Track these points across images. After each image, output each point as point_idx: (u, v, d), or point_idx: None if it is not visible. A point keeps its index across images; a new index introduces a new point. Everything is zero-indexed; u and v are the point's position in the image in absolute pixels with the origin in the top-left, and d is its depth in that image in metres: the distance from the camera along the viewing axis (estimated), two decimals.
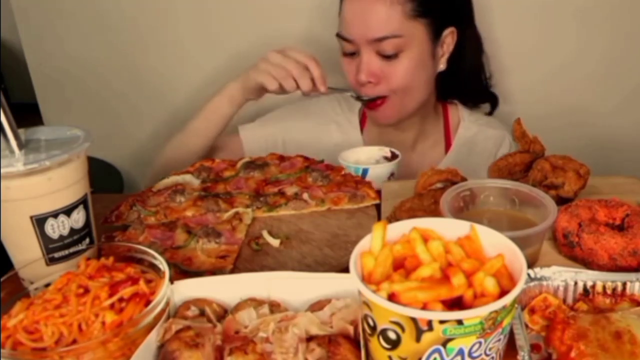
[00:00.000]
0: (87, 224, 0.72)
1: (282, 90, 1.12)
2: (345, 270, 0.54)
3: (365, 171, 1.05)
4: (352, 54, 1.19)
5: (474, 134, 1.34)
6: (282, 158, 1.06)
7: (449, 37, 1.22)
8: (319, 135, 1.32)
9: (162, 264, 0.64)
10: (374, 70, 1.16)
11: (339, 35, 1.19)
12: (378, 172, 1.05)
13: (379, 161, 1.12)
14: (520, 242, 0.56)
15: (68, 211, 0.68)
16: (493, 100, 1.40)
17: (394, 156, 1.11)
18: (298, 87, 1.11)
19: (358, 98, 1.22)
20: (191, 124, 1.23)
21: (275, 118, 1.36)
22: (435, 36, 1.19)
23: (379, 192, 0.95)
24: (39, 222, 0.67)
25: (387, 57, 1.15)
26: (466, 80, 1.34)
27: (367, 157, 1.13)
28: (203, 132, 1.22)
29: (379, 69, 1.16)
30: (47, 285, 0.65)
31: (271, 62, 1.12)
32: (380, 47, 1.14)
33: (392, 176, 1.08)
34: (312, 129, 1.33)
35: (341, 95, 1.37)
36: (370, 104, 1.21)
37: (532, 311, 0.65)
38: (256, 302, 0.63)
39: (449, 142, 1.36)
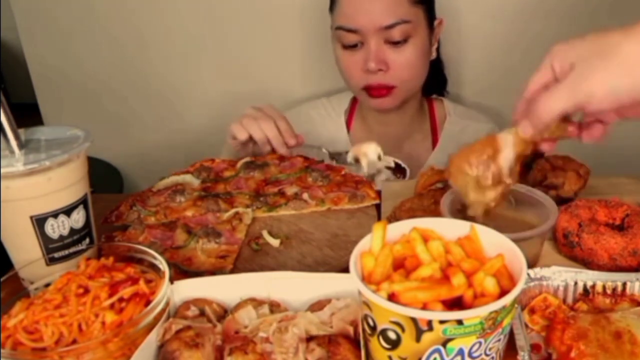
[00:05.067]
0: (87, 224, 0.72)
1: (252, 140, 1.07)
2: (345, 270, 0.54)
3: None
4: (354, 46, 1.18)
5: (461, 128, 1.35)
6: (282, 158, 1.06)
7: (438, 28, 1.26)
8: (311, 140, 1.32)
9: (162, 264, 0.64)
10: (382, 58, 1.17)
11: (340, 28, 1.18)
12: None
13: (380, 171, 1.11)
14: (521, 243, 0.56)
15: (68, 211, 0.69)
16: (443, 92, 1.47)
17: (397, 167, 1.10)
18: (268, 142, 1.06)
19: (334, 156, 1.14)
20: None
21: None
22: (430, 24, 1.23)
23: (379, 192, 0.95)
24: (39, 222, 0.67)
25: (395, 44, 1.16)
26: (440, 71, 1.40)
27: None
28: None
29: (387, 56, 1.17)
30: (47, 285, 0.65)
31: (244, 114, 1.09)
32: (389, 34, 1.15)
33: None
34: (305, 135, 1.33)
35: (327, 100, 1.40)
36: (375, 92, 1.20)
37: (532, 311, 0.65)
38: (256, 302, 0.63)
39: (435, 138, 1.36)
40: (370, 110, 1.32)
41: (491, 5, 1.46)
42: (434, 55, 1.27)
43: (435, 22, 1.25)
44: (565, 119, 0.65)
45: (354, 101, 1.40)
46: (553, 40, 0.62)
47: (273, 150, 1.07)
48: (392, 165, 1.12)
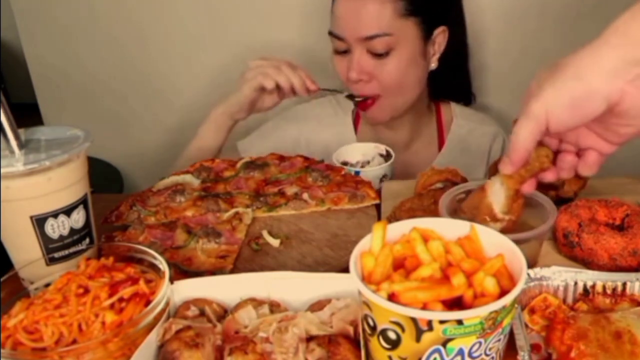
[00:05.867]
0: (87, 224, 0.72)
1: (278, 89, 1.12)
2: (345, 270, 0.54)
3: (356, 173, 1.05)
4: (344, 52, 1.19)
5: (467, 131, 1.35)
6: (282, 158, 1.06)
7: (440, 36, 1.23)
8: (316, 139, 1.33)
9: (162, 264, 0.64)
10: (365, 68, 1.17)
11: (330, 33, 1.19)
12: (369, 175, 1.04)
13: (374, 158, 1.12)
14: (520, 244, 0.56)
15: (68, 211, 0.68)
16: (471, 98, 1.44)
17: (388, 155, 1.11)
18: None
19: (350, 97, 1.22)
20: (185, 153, 1.24)
21: (271, 128, 1.37)
22: (427, 35, 1.20)
23: (379, 192, 0.95)
24: (39, 222, 0.67)
25: (378, 55, 1.15)
26: (456, 79, 1.37)
27: (362, 154, 1.13)
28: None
29: (370, 67, 1.17)
30: (47, 285, 0.65)
31: (256, 65, 1.13)
32: (371, 45, 1.14)
33: (384, 177, 1.07)
34: (309, 133, 1.34)
35: (334, 98, 1.40)
36: (361, 104, 1.21)
37: (532, 311, 0.65)
38: (256, 302, 0.63)
39: (442, 140, 1.36)
40: None
41: (497, 9, 1.46)
42: (433, 65, 1.24)
43: (436, 32, 1.21)
44: (544, 146, 0.65)
45: None
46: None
47: (294, 93, 1.12)
48: (384, 152, 1.12)
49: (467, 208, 0.72)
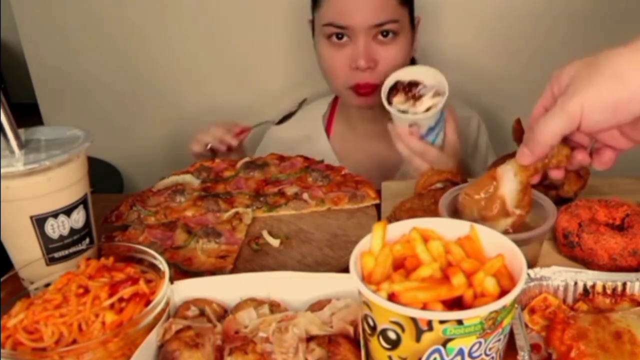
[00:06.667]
0: (87, 224, 0.72)
1: (206, 147, 1.19)
2: (345, 270, 0.54)
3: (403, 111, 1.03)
4: (341, 43, 1.19)
5: None
6: (282, 158, 1.06)
7: (418, 25, 1.28)
8: (298, 150, 1.34)
9: (162, 264, 0.64)
10: (372, 56, 1.18)
11: (331, 25, 1.19)
12: (422, 120, 0.98)
13: (444, 93, 1.02)
14: (520, 245, 0.56)
15: (68, 211, 0.68)
16: None
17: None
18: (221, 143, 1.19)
19: (281, 121, 1.29)
20: None
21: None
22: (413, 24, 1.25)
23: (379, 192, 0.95)
24: (39, 222, 0.67)
25: (383, 42, 1.18)
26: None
27: (438, 82, 1.04)
28: None
29: (376, 53, 1.18)
30: (47, 285, 0.65)
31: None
32: (379, 32, 1.17)
33: (431, 131, 1.03)
34: (289, 148, 1.34)
35: (302, 108, 1.39)
36: (361, 91, 1.22)
37: (532, 311, 0.65)
38: (256, 302, 0.63)
39: None
40: (353, 108, 1.32)
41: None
42: (413, 53, 1.29)
43: (416, 21, 1.26)
44: (566, 145, 0.64)
45: (334, 104, 1.41)
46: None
47: (229, 149, 1.20)
48: (444, 93, 1.03)
49: (473, 191, 0.68)
